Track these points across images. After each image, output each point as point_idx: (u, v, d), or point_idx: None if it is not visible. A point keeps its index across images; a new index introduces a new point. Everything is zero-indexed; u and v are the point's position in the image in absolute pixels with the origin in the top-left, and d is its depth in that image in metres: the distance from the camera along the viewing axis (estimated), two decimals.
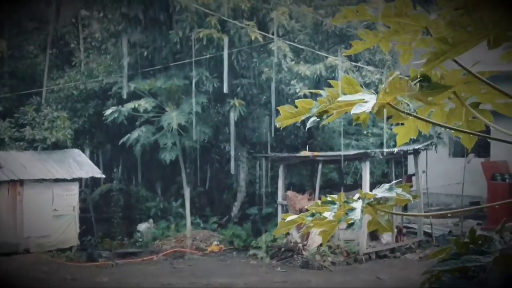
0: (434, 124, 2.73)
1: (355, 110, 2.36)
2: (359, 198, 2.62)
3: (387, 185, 2.70)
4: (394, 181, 2.80)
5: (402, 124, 2.78)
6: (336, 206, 2.60)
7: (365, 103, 2.36)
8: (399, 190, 2.64)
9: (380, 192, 2.65)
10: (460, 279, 2.24)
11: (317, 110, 2.55)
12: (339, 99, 2.48)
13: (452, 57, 2.32)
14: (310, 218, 2.63)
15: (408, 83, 2.33)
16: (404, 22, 2.42)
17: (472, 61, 2.63)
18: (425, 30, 2.43)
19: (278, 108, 2.74)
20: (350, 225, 2.48)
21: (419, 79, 2.40)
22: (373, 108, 2.33)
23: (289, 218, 2.75)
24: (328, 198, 2.65)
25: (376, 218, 2.69)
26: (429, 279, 2.44)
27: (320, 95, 2.58)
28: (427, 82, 2.41)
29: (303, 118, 2.65)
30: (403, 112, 2.47)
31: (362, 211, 2.51)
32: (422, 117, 2.65)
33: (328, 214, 2.57)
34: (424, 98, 2.46)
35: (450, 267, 2.29)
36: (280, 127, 2.84)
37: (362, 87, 2.55)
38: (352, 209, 2.54)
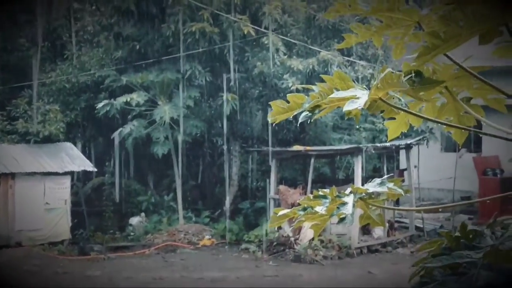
0: (426, 119, 2.73)
1: (347, 107, 2.36)
2: (350, 192, 2.63)
3: (378, 180, 2.70)
4: (385, 176, 2.80)
5: (394, 118, 2.79)
6: (328, 200, 2.60)
7: (357, 99, 2.36)
8: (391, 185, 2.64)
9: (372, 186, 2.65)
10: (451, 275, 2.25)
11: (309, 105, 2.55)
12: (332, 95, 2.48)
13: (444, 52, 2.32)
14: (302, 213, 2.63)
15: (400, 78, 2.33)
16: (396, 17, 2.42)
17: (464, 56, 2.63)
18: (417, 25, 2.43)
19: (270, 103, 2.73)
20: (342, 220, 2.48)
21: (410, 74, 2.40)
22: (364, 104, 2.34)
23: (281, 212, 2.74)
24: (320, 193, 2.65)
25: (367, 213, 2.69)
26: (419, 273, 2.44)
27: (312, 90, 2.58)
28: (419, 77, 2.41)
29: (295, 113, 2.65)
30: (394, 107, 2.48)
31: (353, 205, 2.51)
32: (414, 112, 2.66)
33: (320, 209, 2.57)
34: (415, 93, 2.47)
35: (442, 263, 2.29)
36: (272, 123, 2.83)
37: (354, 82, 2.55)
38: (344, 204, 2.54)
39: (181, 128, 24.39)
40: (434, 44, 2.26)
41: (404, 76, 2.38)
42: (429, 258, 2.46)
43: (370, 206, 2.67)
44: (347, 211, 2.49)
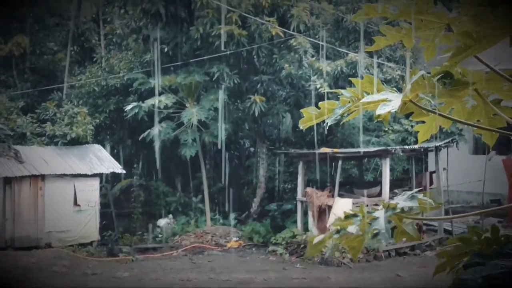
0: (455, 120, 2.70)
1: (380, 110, 2.34)
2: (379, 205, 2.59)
3: (408, 193, 2.66)
4: (415, 190, 2.76)
5: (423, 122, 2.76)
6: (359, 218, 2.57)
7: (389, 101, 2.34)
8: (421, 195, 2.61)
9: (402, 201, 2.62)
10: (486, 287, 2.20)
11: (341, 111, 2.54)
12: (363, 99, 2.46)
13: (476, 53, 2.30)
14: (337, 236, 2.61)
15: (430, 80, 2.31)
16: (425, 19, 2.41)
17: (494, 58, 2.60)
18: (447, 27, 2.41)
19: (301, 110, 2.72)
20: (376, 236, 2.45)
21: (441, 75, 2.38)
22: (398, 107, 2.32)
23: (316, 239, 2.71)
24: (350, 212, 2.61)
25: (401, 227, 2.65)
26: (445, 268, 2.42)
27: (341, 94, 2.56)
28: (450, 78, 2.39)
29: (326, 119, 2.63)
30: (424, 109, 2.45)
31: (387, 221, 2.47)
32: (444, 114, 2.63)
33: (353, 229, 2.54)
34: (446, 94, 2.44)
35: (478, 274, 2.25)
36: (303, 129, 2.82)
37: (383, 84, 2.53)
38: (375, 219, 2.51)
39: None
40: (466, 44, 2.24)
41: (434, 78, 2.36)
42: (456, 250, 2.44)
43: (404, 220, 2.63)
44: (380, 226, 2.46)
